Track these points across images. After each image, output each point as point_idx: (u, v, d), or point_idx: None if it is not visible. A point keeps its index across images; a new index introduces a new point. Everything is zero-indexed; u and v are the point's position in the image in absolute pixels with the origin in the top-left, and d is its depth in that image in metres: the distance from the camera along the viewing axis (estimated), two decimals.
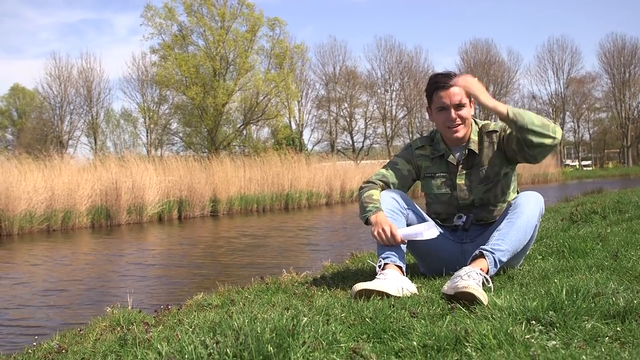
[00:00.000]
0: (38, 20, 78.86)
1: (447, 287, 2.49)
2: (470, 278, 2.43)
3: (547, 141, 2.77)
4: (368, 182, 3.18)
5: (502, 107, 2.79)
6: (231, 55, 39.90)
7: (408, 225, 3.00)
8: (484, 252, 2.67)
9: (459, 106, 3.00)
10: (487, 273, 2.59)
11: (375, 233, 2.86)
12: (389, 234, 2.82)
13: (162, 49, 39.46)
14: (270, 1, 76.15)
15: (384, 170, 3.23)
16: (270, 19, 41.00)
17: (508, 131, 2.99)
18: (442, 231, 2.98)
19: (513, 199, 2.97)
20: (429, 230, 2.87)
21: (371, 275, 2.95)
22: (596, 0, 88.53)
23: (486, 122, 3.15)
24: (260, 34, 40.88)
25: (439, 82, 3.03)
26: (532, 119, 2.75)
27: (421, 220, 3.06)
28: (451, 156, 3.12)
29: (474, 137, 3.09)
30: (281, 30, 41.62)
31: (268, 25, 40.92)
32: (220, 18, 39.37)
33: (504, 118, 2.80)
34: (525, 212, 2.81)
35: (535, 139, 2.76)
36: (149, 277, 7.66)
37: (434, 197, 3.19)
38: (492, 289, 2.51)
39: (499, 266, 2.69)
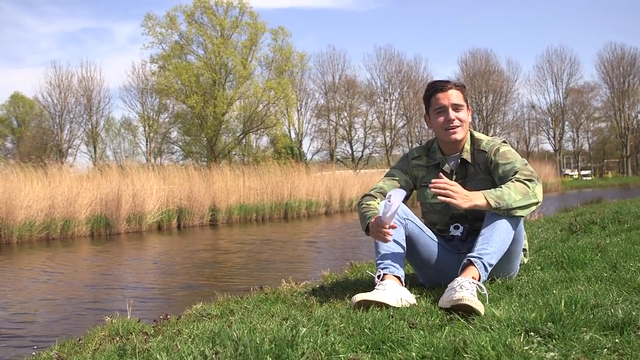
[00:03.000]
0: (38, 29, 79.07)
1: (442, 300, 2.50)
2: (463, 289, 2.43)
3: (533, 208, 2.81)
4: (366, 195, 3.20)
5: (481, 201, 2.74)
6: (230, 64, 40.01)
7: (407, 236, 2.99)
8: (472, 259, 2.67)
9: (457, 108, 3.05)
10: (479, 280, 2.60)
11: (374, 235, 2.85)
12: (377, 227, 2.78)
13: (162, 58, 39.59)
14: (269, 11, 76.44)
15: (381, 183, 3.24)
16: (274, 29, 41.24)
17: (493, 163, 3.00)
18: (406, 193, 2.97)
19: None
20: (395, 196, 2.78)
21: (370, 285, 2.95)
22: (595, 10, 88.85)
23: (479, 136, 3.15)
24: (262, 43, 41.13)
25: (437, 86, 3.10)
26: (513, 197, 2.74)
27: (420, 230, 3.06)
28: (446, 165, 3.14)
29: (468, 147, 3.12)
30: (284, 40, 41.84)
31: (271, 32, 41.14)
32: (220, 27, 39.52)
33: (489, 210, 2.75)
34: None
35: (522, 212, 2.78)
36: (148, 286, 7.65)
37: (428, 206, 3.20)
38: (488, 296, 2.51)
39: (489, 270, 2.69)
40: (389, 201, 2.76)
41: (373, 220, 2.84)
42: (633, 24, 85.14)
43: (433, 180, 2.77)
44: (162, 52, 39.62)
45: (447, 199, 2.70)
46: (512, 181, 2.81)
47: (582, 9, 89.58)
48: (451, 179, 3.10)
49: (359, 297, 2.62)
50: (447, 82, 3.11)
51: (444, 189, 2.71)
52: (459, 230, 3.08)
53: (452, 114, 3.04)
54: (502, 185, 2.81)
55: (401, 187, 3.20)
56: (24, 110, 54.21)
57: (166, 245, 13.82)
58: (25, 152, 41.24)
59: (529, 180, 2.81)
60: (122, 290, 7.50)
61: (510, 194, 2.75)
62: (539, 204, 2.83)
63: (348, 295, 2.93)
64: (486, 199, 2.73)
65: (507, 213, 2.75)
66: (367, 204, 3.07)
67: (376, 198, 3.13)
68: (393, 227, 2.80)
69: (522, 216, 2.82)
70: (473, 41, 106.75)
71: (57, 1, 79.22)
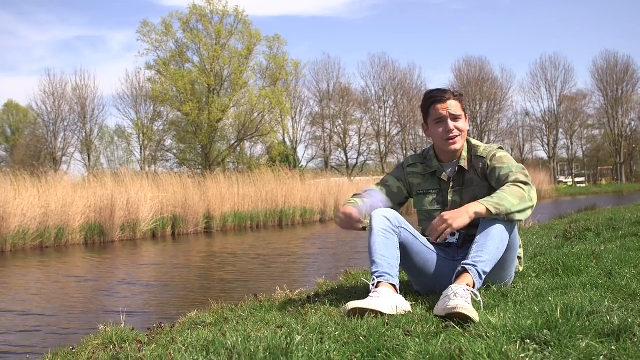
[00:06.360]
0: (32, 37, 78.85)
1: (437, 307, 2.49)
2: (458, 297, 2.42)
3: (529, 212, 2.84)
4: (355, 195, 3.25)
5: (480, 208, 2.74)
6: (226, 71, 40.03)
7: (401, 243, 2.98)
8: (466, 267, 2.67)
9: (456, 117, 3.07)
10: (473, 287, 2.60)
11: (337, 220, 3.03)
12: (342, 215, 2.99)
13: (158, 64, 39.57)
14: (264, 19, 76.52)
15: (373, 186, 3.26)
16: (270, 36, 41.31)
17: (489, 167, 3.02)
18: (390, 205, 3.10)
19: None
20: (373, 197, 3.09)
21: (365, 292, 2.94)
22: (589, 17, 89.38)
23: (476, 143, 3.18)
24: (256, 51, 41.12)
25: (436, 96, 3.11)
26: (511, 201, 2.75)
27: (414, 237, 3.06)
28: (443, 173, 3.15)
29: (465, 154, 3.14)
30: (279, 48, 41.89)
31: (267, 40, 41.19)
32: (216, 35, 39.55)
33: (489, 217, 2.75)
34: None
35: (520, 216, 2.80)
36: (142, 295, 7.61)
37: (425, 214, 3.21)
38: (482, 303, 2.51)
39: (483, 277, 2.69)
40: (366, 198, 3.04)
41: (347, 210, 3.00)
42: (626, 31, 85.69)
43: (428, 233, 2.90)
44: (158, 59, 39.59)
45: (448, 230, 2.71)
46: (509, 185, 2.83)
47: (576, 16, 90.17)
48: (448, 186, 3.12)
49: (352, 304, 2.60)
50: (446, 92, 3.10)
51: (436, 229, 2.74)
52: (455, 237, 3.08)
53: (451, 124, 3.06)
54: (499, 190, 2.82)
55: (393, 193, 3.25)
56: (17, 118, 54.05)
57: (160, 254, 13.77)
58: (19, 160, 41.07)
59: (525, 184, 2.83)
60: (115, 298, 7.46)
61: (508, 198, 2.76)
62: (534, 207, 2.86)
63: (343, 303, 2.91)
64: (485, 206, 2.74)
65: (506, 217, 2.77)
66: (349, 200, 3.18)
67: (364, 198, 3.16)
68: (360, 222, 3.00)
69: (520, 220, 2.83)
70: (467, 49, 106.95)
71: (51, 9, 79.16)
